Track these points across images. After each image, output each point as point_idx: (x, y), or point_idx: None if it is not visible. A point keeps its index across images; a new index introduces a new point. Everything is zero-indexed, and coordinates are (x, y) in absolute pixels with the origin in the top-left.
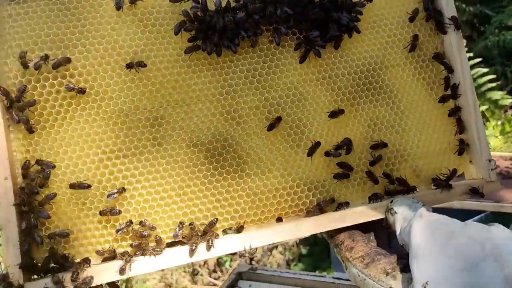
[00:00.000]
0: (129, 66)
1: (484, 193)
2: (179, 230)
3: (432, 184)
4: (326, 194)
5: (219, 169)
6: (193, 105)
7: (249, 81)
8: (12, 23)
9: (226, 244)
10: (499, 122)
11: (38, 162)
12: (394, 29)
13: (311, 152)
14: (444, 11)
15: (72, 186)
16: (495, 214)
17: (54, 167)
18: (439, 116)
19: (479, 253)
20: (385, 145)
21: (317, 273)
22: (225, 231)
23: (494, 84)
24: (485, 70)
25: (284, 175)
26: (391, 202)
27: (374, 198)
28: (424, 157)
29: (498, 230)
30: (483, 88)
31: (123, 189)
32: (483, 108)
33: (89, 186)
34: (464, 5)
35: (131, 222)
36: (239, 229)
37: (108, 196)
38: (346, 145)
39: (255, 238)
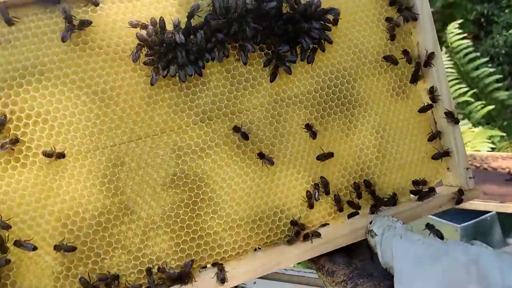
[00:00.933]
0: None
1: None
2: (150, 277)
3: (411, 194)
4: (305, 219)
5: (191, 206)
6: (157, 139)
7: (217, 107)
8: None
9: (205, 283)
10: (505, 123)
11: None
12: (366, 36)
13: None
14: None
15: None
16: (499, 215)
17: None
18: (416, 124)
19: (464, 277)
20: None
21: None
22: (204, 268)
23: (500, 84)
24: (492, 69)
25: (260, 205)
26: (370, 223)
27: (352, 215)
28: (402, 169)
29: (480, 250)
30: (490, 88)
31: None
32: (490, 108)
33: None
34: (471, 4)
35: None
36: (220, 267)
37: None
38: (324, 186)
39: (235, 275)
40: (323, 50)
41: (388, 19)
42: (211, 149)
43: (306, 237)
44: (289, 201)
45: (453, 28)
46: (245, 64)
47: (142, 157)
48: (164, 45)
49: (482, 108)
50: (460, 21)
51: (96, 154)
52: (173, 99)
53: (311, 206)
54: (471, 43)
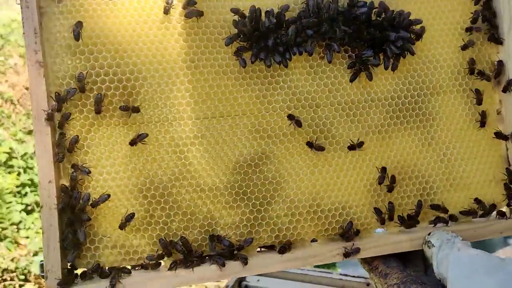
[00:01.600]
0: (124, 108)
1: None
2: (212, 244)
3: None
4: (364, 220)
5: (259, 187)
6: (238, 119)
7: (297, 98)
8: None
9: (262, 262)
10: None
11: (73, 166)
12: (446, 53)
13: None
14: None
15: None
16: None
17: (89, 172)
18: (487, 147)
19: None
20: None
21: (324, 269)
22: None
23: None
24: None
25: (323, 197)
26: (429, 234)
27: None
28: (468, 189)
29: None
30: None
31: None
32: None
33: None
34: None
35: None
36: (282, 250)
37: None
38: (389, 211)
39: (292, 259)
40: (404, 57)
41: (468, 29)
42: (285, 136)
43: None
44: (351, 199)
45: None
46: (329, 62)
47: (221, 134)
48: (257, 32)
49: None
50: None
51: (181, 124)
52: (257, 85)
53: (382, 221)
54: None
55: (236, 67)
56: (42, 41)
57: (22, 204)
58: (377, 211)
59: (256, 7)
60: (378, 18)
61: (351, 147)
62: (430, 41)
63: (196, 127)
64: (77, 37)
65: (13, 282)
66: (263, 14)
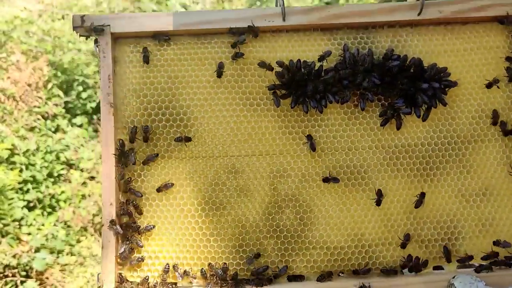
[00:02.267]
0: (179, 139)
1: None
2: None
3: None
4: (390, 259)
5: (291, 220)
6: (275, 158)
7: (330, 141)
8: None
9: None
10: None
11: (130, 190)
12: (478, 104)
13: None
14: None
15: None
16: None
17: (141, 196)
18: None
19: None
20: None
21: None
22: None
23: None
24: None
25: (350, 234)
26: (453, 277)
27: (437, 268)
28: (497, 236)
29: None
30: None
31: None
32: None
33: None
34: None
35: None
36: (320, 278)
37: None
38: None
39: None
40: (435, 107)
41: (488, 85)
42: (318, 175)
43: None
44: (377, 238)
45: None
46: (362, 110)
47: (259, 170)
48: (296, 81)
49: None
50: None
51: (224, 159)
52: (295, 128)
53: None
54: None
55: (276, 111)
56: (114, 85)
57: (24, 200)
58: (409, 258)
59: (296, 60)
60: (411, 71)
61: (378, 199)
62: (463, 92)
63: (238, 163)
64: (146, 60)
65: (14, 278)
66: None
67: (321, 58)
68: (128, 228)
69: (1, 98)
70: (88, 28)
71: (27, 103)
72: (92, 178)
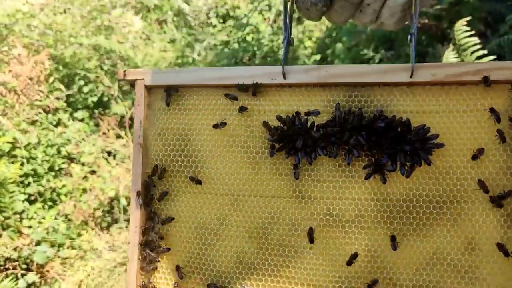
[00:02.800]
0: (192, 179)
1: None
2: None
3: None
4: None
5: (280, 259)
6: (267, 200)
7: (317, 190)
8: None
9: None
10: None
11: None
12: (464, 166)
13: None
14: None
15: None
16: None
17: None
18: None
19: None
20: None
21: None
22: None
23: None
24: None
25: (334, 276)
26: None
27: None
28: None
29: None
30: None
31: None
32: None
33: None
34: (478, 2)
35: None
36: None
37: None
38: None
39: None
40: (420, 165)
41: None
42: (305, 220)
43: None
44: (360, 282)
45: (460, 25)
46: (348, 164)
47: (256, 209)
48: (290, 135)
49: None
50: (467, 18)
51: (228, 197)
52: (287, 175)
53: None
54: (478, 41)
55: (272, 160)
56: (144, 129)
57: (25, 194)
58: None
59: (291, 115)
60: (398, 130)
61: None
62: (450, 153)
63: (239, 201)
64: (168, 103)
65: (15, 271)
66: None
67: (307, 114)
68: (148, 247)
69: (2, 91)
70: (128, 81)
71: (28, 97)
72: (93, 172)
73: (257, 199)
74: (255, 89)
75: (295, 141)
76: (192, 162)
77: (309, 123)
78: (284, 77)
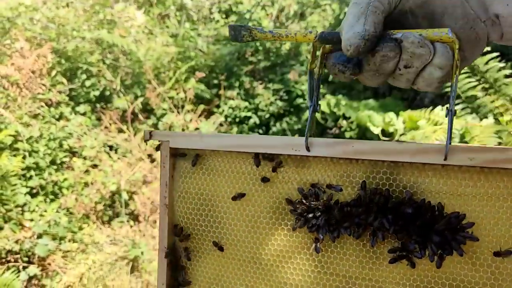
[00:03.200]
0: (215, 244)
1: None
2: None
3: None
4: None
5: None
6: (288, 271)
7: (339, 268)
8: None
9: None
10: None
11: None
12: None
13: None
14: None
15: None
16: None
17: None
18: None
19: None
20: None
21: None
22: None
23: (510, 80)
24: (502, 65)
25: None
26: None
27: None
28: None
29: None
30: (499, 83)
31: None
32: (499, 103)
33: None
34: None
35: None
36: None
37: None
38: None
39: None
40: (450, 254)
41: (496, 254)
42: None
43: None
44: None
45: None
46: (372, 246)
47: (277, 278)
48: (312, 209)
49: (491, 102)
50: None
51: (250, 264)
52: (309, 249)
53: None
54: None
55: (295, 231)
56: (170, 190)
57: (27, 187)
58: None
59: (314, 190)
60: (427, 217)
61: None
62: (486, 245)
63: (261, 269)
64: (194, 163)
65: (17, 264)
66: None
67: (329, 187)
68: None
69: (5, 84)
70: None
71: (30, 90)
72: (94, 166)
73: (279, 270)
74: (276, 167)
75: (317, 218)
76: (215, 227)
77: (333, 200)
78: (308, 150)
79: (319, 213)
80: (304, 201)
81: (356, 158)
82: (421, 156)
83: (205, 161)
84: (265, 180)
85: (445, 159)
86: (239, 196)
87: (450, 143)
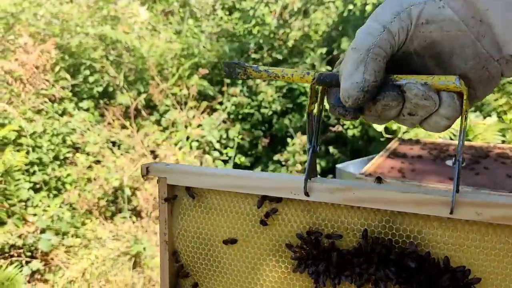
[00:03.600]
0: None
1: None
2: None
3: None
4: None
5: None
6: None
7: None
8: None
9: None
10: None
11: None
12: None
13: None
14: None
15: None
16: None
17: None
18: None
19: None
20: None
21: None
22: None
23: None
24: None
25: None
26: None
27: None
28: None
29: None
30: (502, 81)
31: None
32: (502, 101)
33: None
34: None
35: None
36: None
37: None
38: None
39: None
40: None
41: None
42: None
43: None
44: None
45: None
46: None
47: None
48: (313, 255)
49: (495, 101)
50: None
51: None
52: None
53: None
54: None
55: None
56: (169, 226)
57: (30, 182)
58: None
59: (313, 237)
60: (432, 271)
61: None
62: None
63: None
64: (192, 196)
65: (20, 258)
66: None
67: (328, 237)
68: None
69: (8, 80)
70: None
71: (34, 86)
72: (97, 162)
73: None
74: (269, 214)
75: (317, 265)
76: (215, 266)
77: (333, 247)
78: (307, 195)
79: (319, 260)
80: (304, 246)
81: (357, 205)
82: (425, 207)
83: (203, 199)
84: (263, 223)
85: (451, 213)
86: (230, 242)
87: (457, 191)
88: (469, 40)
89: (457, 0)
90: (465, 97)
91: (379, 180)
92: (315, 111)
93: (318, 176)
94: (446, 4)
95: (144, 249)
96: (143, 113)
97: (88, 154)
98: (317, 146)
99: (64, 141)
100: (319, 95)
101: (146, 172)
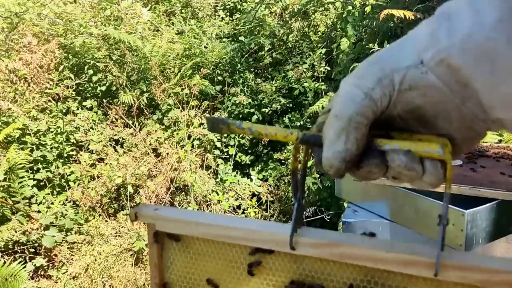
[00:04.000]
0: None
1: None
2: None
3: None
4: None
5: None
6: None
7: None
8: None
9: None
10: None
11: None
12: None
13: None
14: None
15: None
16: (505, 203)
17: None
18: None
19: None
20: None
21: None
22: None
23: None
24: None
25: None
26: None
27: None
28: None
29: None
30: None
31: None
32: None
33: None
34: None
35: None
36: None
37: None
38: None
39: None
40: None
41: None
42: None
43: None
44: None
45: None
46: None
47: None
48: None
49: None
50: None
51: None
52: None
53: None
54: None
55: None
56: (159, 270)
57: (34, 179)
58: None
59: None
60: None
61: None
62: None
63: None
64: (176, 240)
65: (23, 255)
66: None
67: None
68: None
69: (13, 79)
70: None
71: (38, 85)
72: (100, 160)
73: None
74: (252, 265)
75: None
76: None
77: None
78: (293, 249)
79: None
80: None
81: (345, 262)
82: (410, 268)
83: (192, 244)
84: (250, 273)
85: (436, 275)
86: (214, 286)
87: (442, 250)
88: (453, 105)
89: (440, 66)
90: (449, 165)
91: (372, 235)
92: (299, 167)
93: (304, 225)
94: (429, 69)
95: (146, 245)
96: (146, 112)
97: (91, 152)
98: (302, 199)
99: (67, 139)
100: (303, 152)
101: (135, 217)
